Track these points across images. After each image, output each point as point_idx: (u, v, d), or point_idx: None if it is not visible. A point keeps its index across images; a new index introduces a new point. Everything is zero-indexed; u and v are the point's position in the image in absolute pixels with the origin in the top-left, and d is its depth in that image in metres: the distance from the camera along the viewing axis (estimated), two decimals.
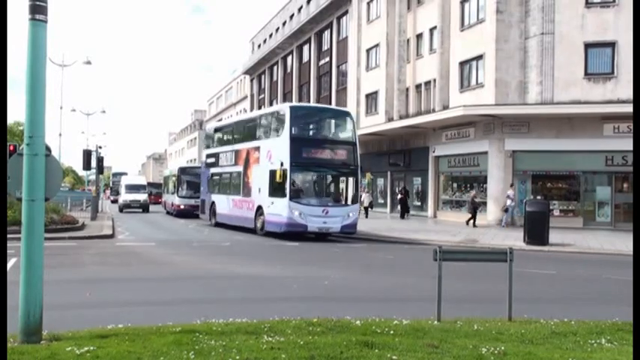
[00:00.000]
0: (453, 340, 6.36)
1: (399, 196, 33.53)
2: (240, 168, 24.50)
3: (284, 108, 21.88)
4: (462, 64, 30.53)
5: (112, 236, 21.71)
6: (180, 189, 36.19)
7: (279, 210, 20.74)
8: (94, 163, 32.72)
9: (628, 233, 17.94)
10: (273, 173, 20.85)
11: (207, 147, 29.84)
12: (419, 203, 35.02)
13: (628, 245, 17.94)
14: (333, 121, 23.42)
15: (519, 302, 8.19)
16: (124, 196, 43.84)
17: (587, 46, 26.57)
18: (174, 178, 38.02)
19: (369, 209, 34.83)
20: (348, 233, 21.42)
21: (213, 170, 27.86)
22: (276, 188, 20.97)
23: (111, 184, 74.53)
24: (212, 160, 28.18)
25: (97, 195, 34.68)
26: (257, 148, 23.06)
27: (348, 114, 23.27)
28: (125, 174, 66.80)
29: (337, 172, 22.18)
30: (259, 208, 22.35)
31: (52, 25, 6.21)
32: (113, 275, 12.69)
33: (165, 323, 7.01)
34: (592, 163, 26.60)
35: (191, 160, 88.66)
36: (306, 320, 7.19)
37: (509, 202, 26.38)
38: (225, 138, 28.19)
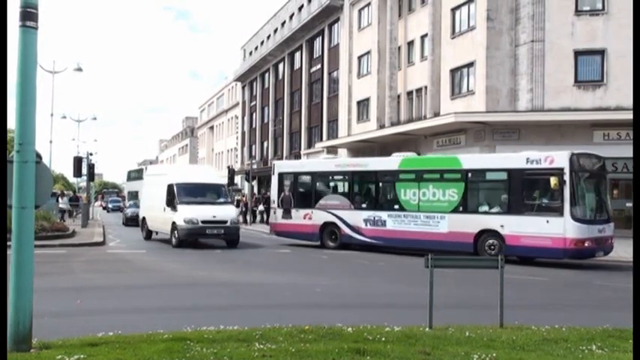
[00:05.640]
0: (444, 347, 6.36)
1: None
2: None
3: None
4: (453, 71, 30.65)
5: (102, 244, 21.60)
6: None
7: None
8: (84, 170, 32.58)
9: (618, 239, 18.01)
10: None
11: None
12: None
13: (617, 251, 18.02)
14: None
15: (510, 309, 8.20)
16: (185, 212, 20.38)
17: (577, 53, 26.75)
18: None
19: None
20: None
21: None
22: None
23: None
24: None
25: (87, 202, 34.50)
26: None
27: None
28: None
29: None
30: None
31: (41, 31, 6.21)
32: (104, 283, 12.62)
33: (155, 331, 6.97)
34: None
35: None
36: (298, 327, 7.17)
37: None
38: None
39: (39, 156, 6.57)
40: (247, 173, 38.23)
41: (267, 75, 61.56)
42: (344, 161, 21.27)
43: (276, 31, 58.72)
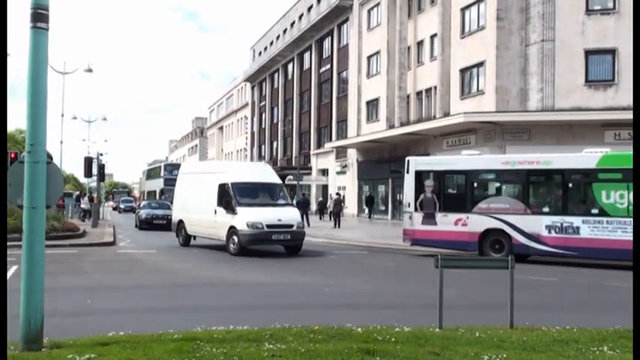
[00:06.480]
0: (454, 347, 6.34)
1: None
2: None
3: None
4: (463, 71, 30.57)
5: (113, 244, 21.70)
6: None
7: None
8: (95, 171, 32.74)
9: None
10: None
11: None
12: None
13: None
14: None
15: (521, 309, 8.17)
16: (247, 215, 18.15)
17: (588, 53, 26.61)
18: None
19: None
20: None
21: None
22: None
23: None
24: None
25: (98, 202, 34.66)
26: None
27: None
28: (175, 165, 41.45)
29: None
30: None
31: (51, 32, 6.23)
32: (114, 282, 12.67)
33: (166, 330, 6.99)
34: None
35: None
36: (308, 328, 7.17)
37: None
38: None
39: (50, 156, 6.61)
40: None
41: (276, 75, 61.65)
42: (515, 158, 18.55)
43: (285, 31, 58.79)
